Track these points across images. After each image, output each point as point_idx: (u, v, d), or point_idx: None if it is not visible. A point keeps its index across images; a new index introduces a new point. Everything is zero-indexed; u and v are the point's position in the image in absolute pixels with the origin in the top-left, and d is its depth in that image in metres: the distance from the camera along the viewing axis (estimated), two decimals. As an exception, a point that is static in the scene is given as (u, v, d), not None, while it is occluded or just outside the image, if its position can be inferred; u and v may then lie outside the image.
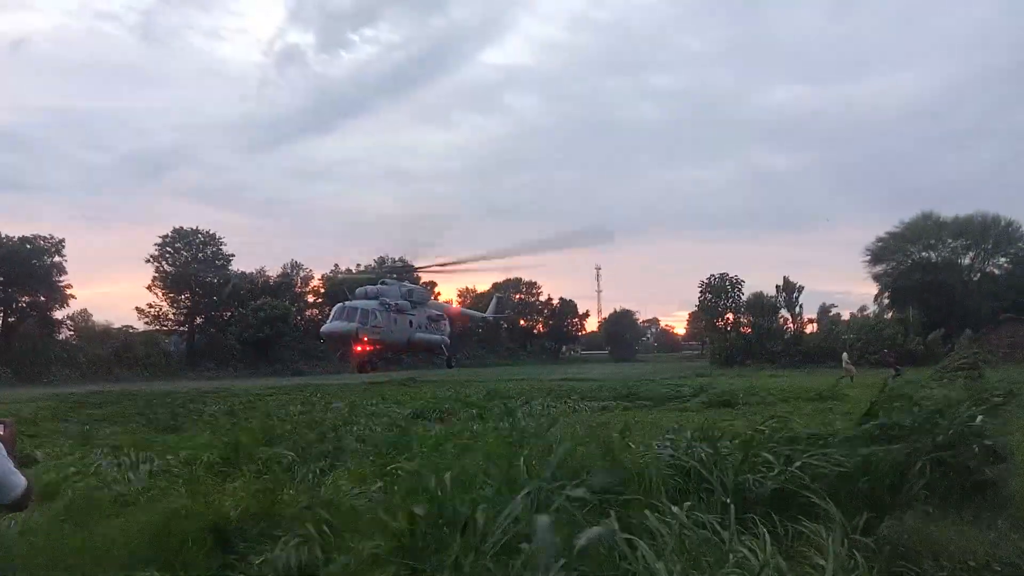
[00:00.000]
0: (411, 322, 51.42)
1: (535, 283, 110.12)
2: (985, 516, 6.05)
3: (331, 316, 48.09)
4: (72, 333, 75.65)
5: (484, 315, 75.90)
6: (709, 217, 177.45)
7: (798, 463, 6.29)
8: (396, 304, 49.47)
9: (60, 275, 69.85)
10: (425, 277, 63.34)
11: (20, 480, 3.34)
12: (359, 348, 46.74)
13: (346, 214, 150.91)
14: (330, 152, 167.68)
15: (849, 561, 4.85)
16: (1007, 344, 54.06)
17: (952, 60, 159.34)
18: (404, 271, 56.68)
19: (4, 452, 3.30)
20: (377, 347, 48.00)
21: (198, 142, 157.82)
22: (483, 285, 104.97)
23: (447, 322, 59.17)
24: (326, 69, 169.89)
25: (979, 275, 74.66)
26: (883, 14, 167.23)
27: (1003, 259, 74.62)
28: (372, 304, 47.58)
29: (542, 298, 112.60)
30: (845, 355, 41.77)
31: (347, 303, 47.57)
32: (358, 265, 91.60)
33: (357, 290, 50.08)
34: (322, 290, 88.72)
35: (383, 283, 51.68)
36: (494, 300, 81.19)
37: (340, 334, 46.64)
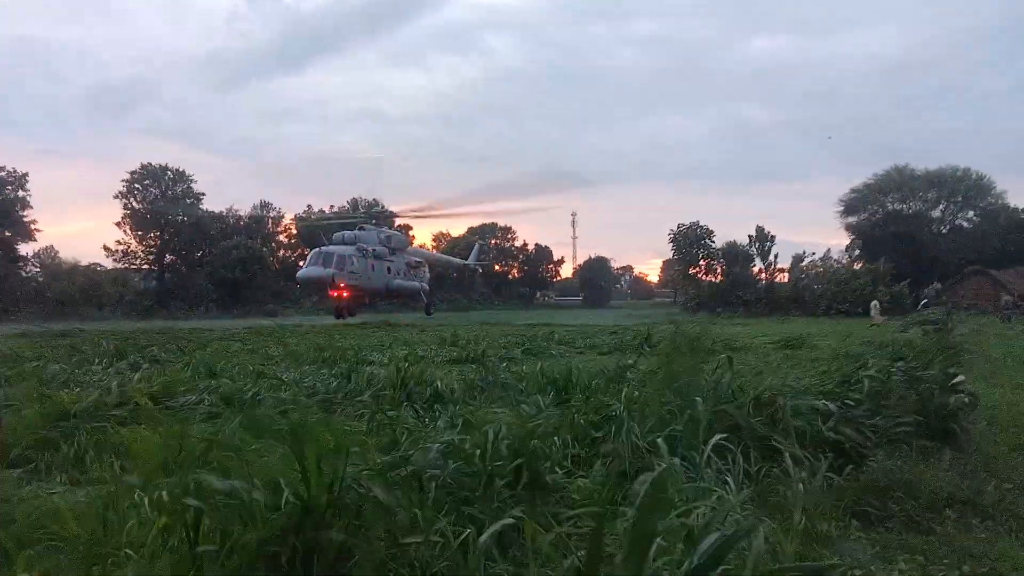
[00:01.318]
0: (389, 269, 51.08)
1: (510, 228, 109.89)
2: (954, 458, 6.24)
3: (308, 261, 47.55)
4: (38, 270, 74.16)
5: (465, 262, 75.61)
6: (687, 167, 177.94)
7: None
8: (374, 250, 49.02)
9: (24, 209, 68.19)
10: (400, 221, 62.67)
11: None
12: (335, 294, 46.40)
13: (318, 155, 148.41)
14: (301, 91, 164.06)
15: (818, 499, 4.97)
16: (972, 295, 55.33)
17: (937, 18, 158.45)
18: (381, 217, 56.07)
19: None
20: (354, 293, 47.64)
21: (164, 78, 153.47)
22: (458, 229, 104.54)
23: (426, 269, 58.86)
24: (298, 3, 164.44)
25: (948, 228, 75.81)
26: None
27: (972, 213, 75.75)
28: (349, 250, 47.08)
29: (517, 243, 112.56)
30: (875, 304, 42.39)
31: (324, 248, 47.00)
32: (331, 206, 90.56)
33: (334, 235, 49.47)
34: (294, 231, 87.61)
35: (360, 229, 51.08)
36: (476, 247, 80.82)
37: (316, 279, 46.26)
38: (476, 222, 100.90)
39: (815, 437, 6.17)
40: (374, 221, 54.13)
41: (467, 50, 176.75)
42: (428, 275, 58.43)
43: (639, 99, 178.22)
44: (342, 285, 45.73)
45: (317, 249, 47.42)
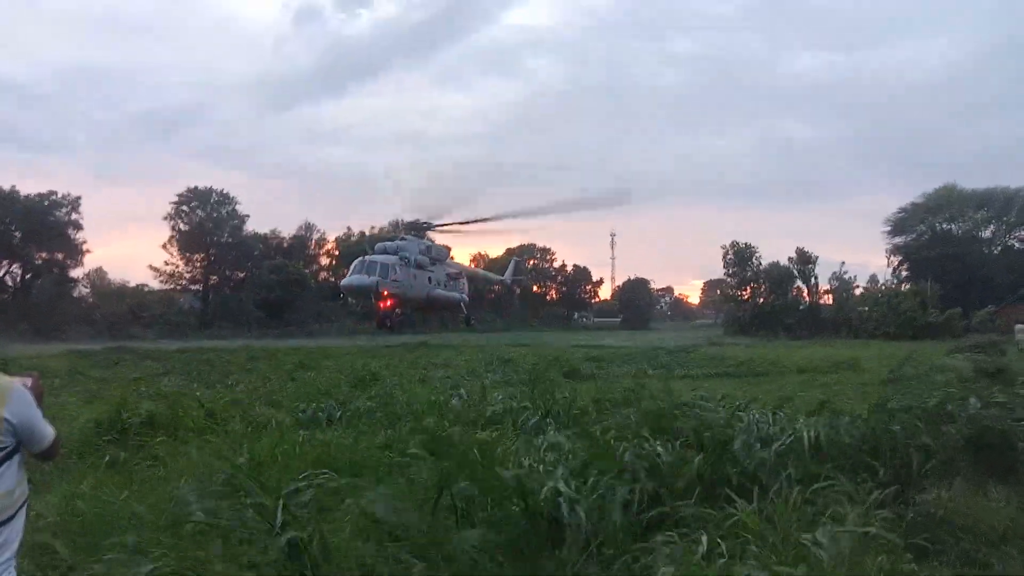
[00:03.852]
0: (430, 279, 51.53)
1: (549, 249, 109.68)
2: (1012, 492, 5.93)
3: (351, 270, 48.19)
4: (88, 291, 76.27)
5: (502, 278, 75.80)
6: (727, 186, 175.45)
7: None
8: (416, 259, 49.49)
9: (77, 232, 70.33)
10: (440, 240, 63.29)
11: (49, 430, 3.51)
12: (379, 303, 46.90)
13: (361, 177, 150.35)
14: (346, 113, 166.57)
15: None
16: (1027, 319, 53.41)
17: (985, 29, 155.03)
18: (422, 228, 56.45)
19: (34, 403, 3.44)
20: (396, 302, 48.07)
21: (213, 101, 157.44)
22: (496, 250, 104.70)
23: (465, 281, 59.14)
24: (344, 28, 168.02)
25: (1000, 248, 73.65)
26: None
27: (1025, 232, 73.52)
28: (392, 259, 47.61)
29: (556, 264, 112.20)
30: (1020, 327, 41.15)
31: (367, 257, 47.63)
32: (372, 228, 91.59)
33: (376, 245, 50.15)
34: (336, 252, 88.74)
35: (402, 239, 51.61)
36: (512, 263, 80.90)
37: (360, 288, 46.80)
38: (514, 243, 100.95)
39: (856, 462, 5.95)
40: (413, 232, 54.59)
41: (507, 71, 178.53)
42: (467, 287, 58.67)
43: (680, 117, 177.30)
44: (385, 294, 46.21)
45: (360, 258, 48.00)
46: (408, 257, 48.97)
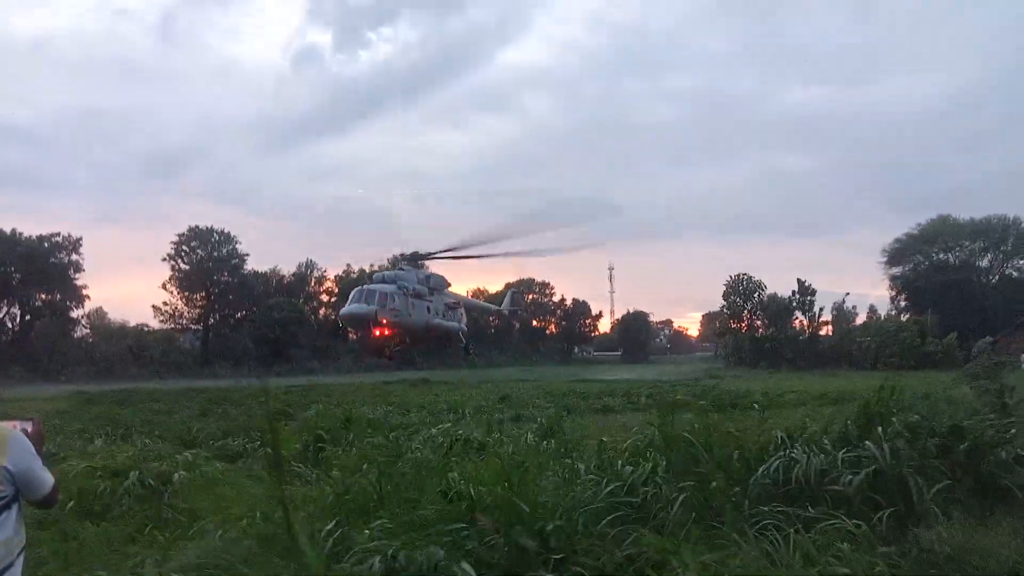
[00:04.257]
0: (428, 308, 51.73)
1: (548, 283, 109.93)
2: (1008, 522, 5.92)
3: (350, 299, 48.45)
4: (88, 331, 76.24)
5: (499, 308, 76.08)
6: (724, 219, 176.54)
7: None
8: (414, 289, 49.74)
9: (77, 273, 70.53)
10: (438, 271, 63.84)
11: (48, 478, 3.46)
12: (378, 332, 46.99)
13: (359, 214, 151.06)
14: (344, 152, 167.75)
15: (872, 568, 4.78)
16: (1026, 347, 53.40)
17: (971, 63, 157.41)
18: (417, 258, 56.67)
19: (33, 450, 3.40)
20: (395, 332, 48.15)
21: (214, 141, 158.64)
22: (495, 285, 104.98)
23: (463, 311, 59.27)
24: (343, 69, 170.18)
25: (997, 277, 73.94)
26: (902, 16, 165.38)
27: (1021, 261, 73.88)
28: (390, 288, 47.85)
29: (555, 299, 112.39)
30: None
31: (365, 286, 47.92)
32: (371, 265, 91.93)
33: (375, 275, 50.50)
34: (335, 290, 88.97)
35: (400, 269, 51.90)
36: (508, 295, 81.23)
37: (359, 316, 46.93)
38: (513, 277, 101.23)
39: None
40: (411, 262, 54.82)
41: (504, 109, 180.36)
42: (465, 316, 58.82)
43: (675, 152, 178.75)
44: (384, 322, 46.31)
45: (359, 287, 48.25)
46: (406, 286, 49.22)
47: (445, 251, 58.93)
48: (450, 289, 58.67)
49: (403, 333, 50.31)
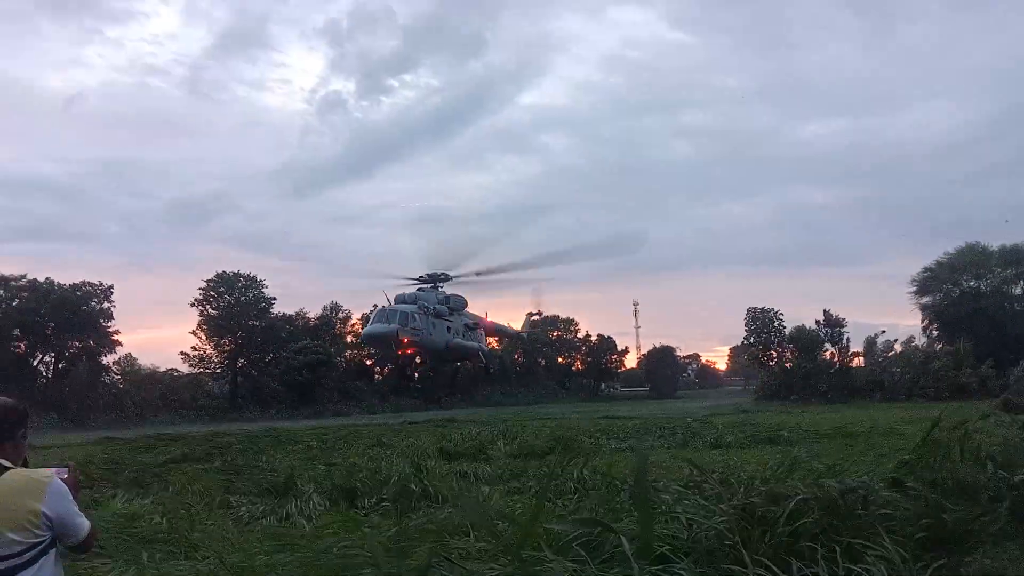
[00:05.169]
0: (448, 328, 51.76)
1: (573, 320, 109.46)
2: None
3: (371, 319, 48.63)
4: (118, 377, 77.12)
5: (517, 332, 75.93)
6: (747, 253, 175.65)
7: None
8: (435, 309, 49.77)
9: (108, 321, 71.65)
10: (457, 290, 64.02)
11: (85, 523, 3.51)
12: (399, 351, 47.01)
13: (383, 257, 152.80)
14: (369, 196, 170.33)
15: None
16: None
17: (990, 93, 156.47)
18: (439, 279, 56.78)
19: (69, 496, 3.46)
20: (416, 351, 48.14)
21: (241, 190, 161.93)
22: (517, 323, 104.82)
23: (483, 331, 59.08)
24: (366, 115, 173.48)
25: (1030, 304, 72.46)
26: (918, 46, 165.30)
27: (1054, 287, 72.38)
28: (411, 307, 48.02)
29: (580, 335, 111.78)
30: None
31: (387, 306, 48.02)
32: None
33: (396, 295, 50.52)
34: (360, 331, 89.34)
35: (420, 290, 51.99)
36: (526, 319, 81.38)
37: (381, 335, 47.08)
38: (535, 308, 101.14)
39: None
40: (431, 284, 54.85)
41: (525, 149, 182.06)
42: (485, 337, 58.60)
43: (695, 187, 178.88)
44: (405, 341, 46.31)
45: (381, 307, 48.37)
46: (427, 306, 49.33)
47: (468, 273, 59.03)
48: (468, 309, 58.95)
49: (424, 351, 50.31)
